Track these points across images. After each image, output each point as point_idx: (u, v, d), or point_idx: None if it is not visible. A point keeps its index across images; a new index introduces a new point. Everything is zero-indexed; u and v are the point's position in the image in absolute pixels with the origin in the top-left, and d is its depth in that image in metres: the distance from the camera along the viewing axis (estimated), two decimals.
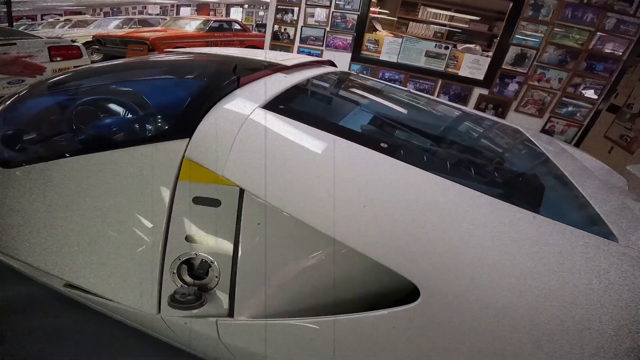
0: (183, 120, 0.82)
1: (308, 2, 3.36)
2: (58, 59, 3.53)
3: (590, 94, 2.93)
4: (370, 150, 0.76)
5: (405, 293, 0.65)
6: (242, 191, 0.74)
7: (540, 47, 2.91)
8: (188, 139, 0.78)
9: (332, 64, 1.79)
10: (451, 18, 5.44)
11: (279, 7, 3.51)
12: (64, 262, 0.93)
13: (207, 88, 0.93)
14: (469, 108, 2.55)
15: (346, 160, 0.75)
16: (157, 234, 0.78)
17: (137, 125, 0.97)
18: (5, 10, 5.52)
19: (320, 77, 1.34)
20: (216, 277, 0.77)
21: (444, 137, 1.24)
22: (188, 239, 0.77)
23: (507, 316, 0.57)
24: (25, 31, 4.66)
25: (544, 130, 3.07)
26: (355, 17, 3.25)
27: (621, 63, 2.80)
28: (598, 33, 2.76)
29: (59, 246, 0.93)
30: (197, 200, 0.76)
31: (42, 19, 13.45)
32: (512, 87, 3.07)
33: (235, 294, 0.74)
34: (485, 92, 3.16)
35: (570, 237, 0.65)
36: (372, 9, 3.38)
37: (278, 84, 1.05)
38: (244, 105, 0.85)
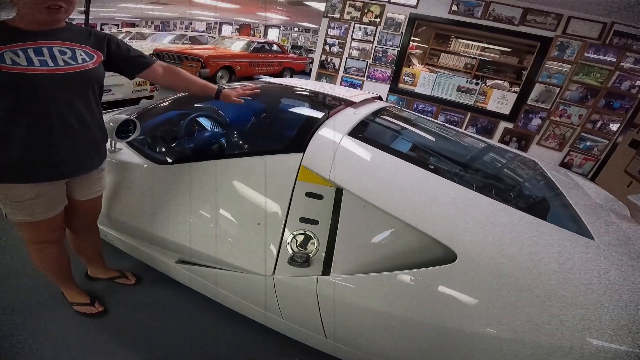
0: (299, 140, 1.24)
1: (354, 37, 3.84)
2: None
3: (607, 129, 3.20)
4: (415, 165, 1.20)
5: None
6: (337, 190, 1.14)
7: (564, 84, 3.20)
8: (302, 153, 1.20)
9: (381, 98, 2.22)
10: (483, 49, 5.73)
11: (327, 39, 4.01)
12: (201, 240, 1.30)
13: (312, 118, 1.37)
14: (494, 141, 2.86)
15: (402, 169, 1.18)
16: (281, 217, 1.18)
17: (270, 141, 1.43)
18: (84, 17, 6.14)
19: (377, 112, 1.76)
20: (316, 247, 1.14)
21: (463, 160, 1.62)
22: (300, 220, 1.17)
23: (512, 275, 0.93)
24: None
25: (562, 164, 3.34)
26: (396, 52, 3.70)
27: (637, 100, 3.05)
28: (617, 72, 3.02)
29: (201, 227, 1.31)
30: (308, 195, 1.16)
31: (101, 28, 14.81)
32: (536, 122, 3.37)
33: (333, 258, 1.10)
34: (510, 125, 3.48)
35: (560, 233, 1.03)
36: (410, 44, 3.80)
37: (353, 117, 1.47)
38: (336, 133, 1.27)
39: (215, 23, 16.55)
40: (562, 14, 3.06)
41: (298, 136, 1.28)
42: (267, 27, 15.50)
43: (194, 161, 1.37)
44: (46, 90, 0.96)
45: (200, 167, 1.35)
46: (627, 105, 3.08)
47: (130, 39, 9.63)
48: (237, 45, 8.09)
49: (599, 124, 3.21)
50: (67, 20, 1.04)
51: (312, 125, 1.30)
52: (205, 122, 1.71)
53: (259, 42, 8.38)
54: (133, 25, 16.69)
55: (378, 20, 3.69)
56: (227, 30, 16.36)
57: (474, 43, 5.65)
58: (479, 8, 3.29)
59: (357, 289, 1.07)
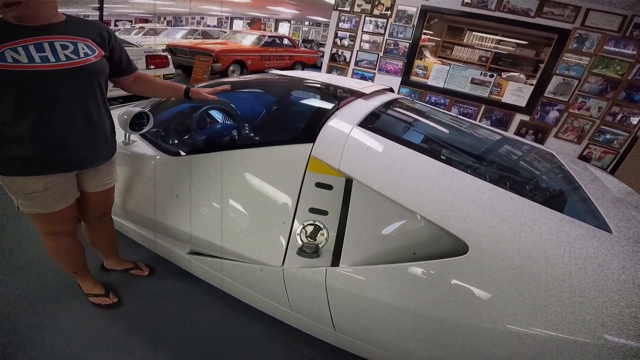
0: (309, 130, 1.23)
1: (365, 30, 3.79)
2: (152, 67, 4.09)
3: (627, 122, 3.09)
4: (427, 156, 1.18)
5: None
6: (347, 180, 1.14)
7: (582, 77, 3.10)
8: (312, 143, 1.19)
9: (392, 90, 2.19)
10: (497, 42, 5.55)
11: (337, 32, 3.97)
12: (211, 230, 1.31)
13: (322, 108, 1.36)
14: (509, 133, 2.80)
15: (414, 160, 1.16)
16: (290, 207, 1.18)
17: (280, 132, 1.43)
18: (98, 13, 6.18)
19: (388, 103, 1.74)
20: (325, 238, 1.13)
21: (477, 151, 1.59)
22: (310, 210, 1.17)
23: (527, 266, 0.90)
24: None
25: (581, 156, 3.24)
26: (407, 44, 3.64)
27: None
28: (638, 64, 2.91)
29: (212, 218, 1.32)
30: (318, 185, 1.16)
31: (115, 25, 15.02)
32: (553, 114, 3.27)
33: (342, 249, 1.09)
34: (526, 118, 3.39)
35: (577, 226, 1.01)
36: (422, 37, 3.73)
37: (363, 107, 1.46)
38: (346, 123, 1.26)
39: (227, 18, 16.60)
40: (580, 6, 2.96)
41: (308, 127, 1.27)
42: (277, 21, 15.47)
43: (205, 152, 1.38)
44: (49, 86, 0.96)
45: (212, 158, 1.36)
46: None
47: (144, 34, 9.74)
48: (248, 40, 8.09)
49: (619, 117, 3.09)
50: (64, 13, 1.03)
51: (322, 116, 1.29)
52: (217, 115, 1.72)
53: (269, 36, 8.36)
54: (146, 21, 16.89)
55: (389, 12, 3.63)
56: (238, 24, 16.40)
57: (488, 36, 5.48)
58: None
59: (367, 281, 1.06)
